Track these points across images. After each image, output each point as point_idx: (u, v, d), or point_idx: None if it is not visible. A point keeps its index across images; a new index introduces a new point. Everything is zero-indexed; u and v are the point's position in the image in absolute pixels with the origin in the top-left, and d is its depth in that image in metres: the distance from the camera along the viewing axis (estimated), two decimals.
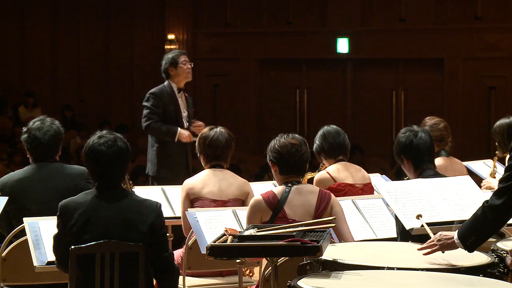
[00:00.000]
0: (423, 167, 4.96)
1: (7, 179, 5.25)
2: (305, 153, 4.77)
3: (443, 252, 3.91)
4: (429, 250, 3.93)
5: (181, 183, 7.14)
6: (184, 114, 7.88)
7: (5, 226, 5.21)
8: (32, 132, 5.24)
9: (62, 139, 5.37)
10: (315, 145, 6.18)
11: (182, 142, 7.73)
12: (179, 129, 7.73)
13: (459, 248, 3.87)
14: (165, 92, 7.83)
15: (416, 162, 4.97)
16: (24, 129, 5.32)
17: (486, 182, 6.68)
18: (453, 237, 3.87)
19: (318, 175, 6.11)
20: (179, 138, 7.66)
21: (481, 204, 3.87)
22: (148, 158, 7.94)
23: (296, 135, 4.84)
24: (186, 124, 7.86)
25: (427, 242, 3.97)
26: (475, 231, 3.83)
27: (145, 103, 7.86)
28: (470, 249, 3.86)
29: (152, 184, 7.55)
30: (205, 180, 5.60)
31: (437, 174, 4.94)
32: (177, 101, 7.85)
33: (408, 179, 5.07)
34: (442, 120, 6.42)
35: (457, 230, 3.88)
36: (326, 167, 6.17)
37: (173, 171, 7.68)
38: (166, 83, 7.90)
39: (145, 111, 7.82)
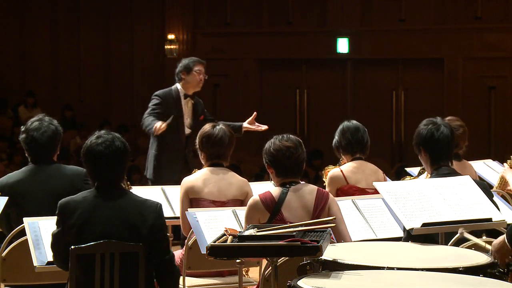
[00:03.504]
0: (440, 164, 4.92)
1: (5, 181, 5.24)
2: (300, 155, 4.73)
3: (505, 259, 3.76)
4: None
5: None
6: (187, 120, 7.77)
7: (5, 226, 5.21)
8: (30, 132, 5.21)
9: (60, 139, 5.33)
10: (334, 140, 6.19)
11: (179, 150, 7.65)
12: (157, 123, 7.49)
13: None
14: (169, 96, 7.71)
15: (434, 157, 4.92)
16: (22, 128, 5.29)
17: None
18: (504, 241, 3.72)
19: (331, 172, 6.11)
20: (154, 131, 7.43)
21: None
22: (147, 159, 7.91)
23: (291, 136, 4.78)
24: (187, 131, 7.75)
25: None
26: None
27: (149, 104, 7.79)
28: None
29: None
30: (205, 179, 5.57)
31: (452, 173, 4.89)
32: (181, 107, 7.73)
33: (409, 179, 5.05)
34: (462, 125, 6.15)
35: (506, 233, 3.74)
36: (345, 162, 6.16)
37: (166, 177, 7.57)
38: (174, 86, 7.77)
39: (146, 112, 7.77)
